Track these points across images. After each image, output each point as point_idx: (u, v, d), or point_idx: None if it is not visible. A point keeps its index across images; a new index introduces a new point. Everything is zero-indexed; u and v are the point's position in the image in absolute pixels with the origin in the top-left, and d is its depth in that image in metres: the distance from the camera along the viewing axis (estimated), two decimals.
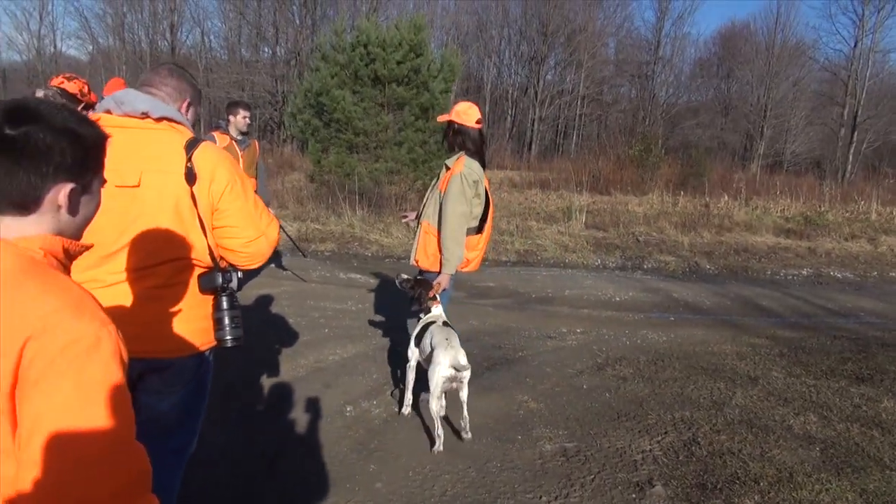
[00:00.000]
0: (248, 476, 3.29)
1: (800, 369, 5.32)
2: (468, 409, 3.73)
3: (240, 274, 2.15)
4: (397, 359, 4.89)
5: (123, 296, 1.97)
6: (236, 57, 38.30)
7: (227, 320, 2.13)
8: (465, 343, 3.83)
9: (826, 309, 7.94)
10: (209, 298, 2.12)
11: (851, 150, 35.94)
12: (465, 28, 41.56)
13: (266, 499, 3.13)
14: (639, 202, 16.27)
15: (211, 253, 2.07)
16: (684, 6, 46.74)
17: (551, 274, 9.34)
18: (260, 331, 5.34)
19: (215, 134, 5.58)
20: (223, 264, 2.15)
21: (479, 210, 4.08)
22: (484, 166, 4.07)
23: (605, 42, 42.94)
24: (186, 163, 1.96)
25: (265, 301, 6.45)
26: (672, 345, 5.94)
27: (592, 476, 3.45)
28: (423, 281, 4.06)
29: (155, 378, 2.09)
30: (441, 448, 3.58)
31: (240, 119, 5.74)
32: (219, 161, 2.04)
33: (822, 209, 15.28)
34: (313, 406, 4.13)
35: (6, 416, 1.01)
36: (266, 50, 38.18)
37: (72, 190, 1.15)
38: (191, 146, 1.99)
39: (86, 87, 4.24)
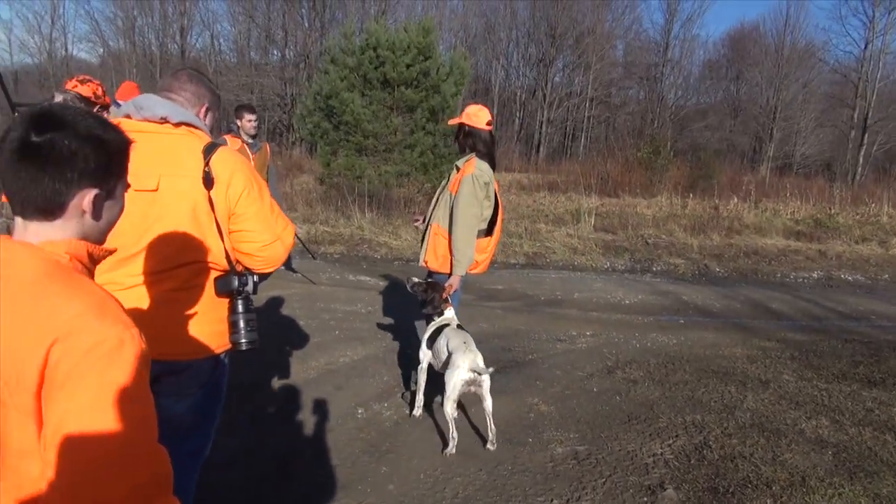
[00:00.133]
0: (260, 478, 3.31)
1: (811, 373, 5.30)
2: (494, 420, 3.70)
3: (255, 277, 2.16)
4: (407, 361, 4.91)
5: (141, 298, 1.99)
6: (245, 60, 38.53)
7: (242, 323, 2.14)
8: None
9: (837, 312, 7.90)
10: (225, 302, 2.13)
11: (862, 153, 35.73)
12: (473, 30, 41.70)
13: (279, 500, 3.14)
14: (647, 205, 16.23)
15: (227, 256, 2.08)
16: (693, 8, 46.84)
17: (560, 276, 9.34)
18: (271, 333, 5.35)
19: (227, 137, 5.61)
20: (239, 268, 2.16)
21: (488, 212, 4.10)
22: (494, 168, 4.09)
23: (614, 44, 43.00)
24: (204, 167, 1.98)
25: (276, 303, 6.48)
26: (682, 348, 5.93)
27: (604, 479, 3.45)
28: (434, 284, 4.08)
29: (171, 380, 2.10)
30: (454, 450, 3.59)
31: (245, 123, 5.77)
32: (236, 166, 2.06)
33: (833, 212, 15.20)
34: (325, 408, 4.15)
35: (32, 417, 1.03)
36: (275, 53, 38.43)
37: (96, 195, 1.16)
38: (208, 151, 2.01)
39: (100, 90, 4.28)
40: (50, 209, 1.13)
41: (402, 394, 4.43)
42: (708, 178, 19.49)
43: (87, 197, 1.15)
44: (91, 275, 1.21)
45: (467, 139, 4.06)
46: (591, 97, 40.63)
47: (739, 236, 12.83)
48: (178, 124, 2.02)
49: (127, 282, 1.97)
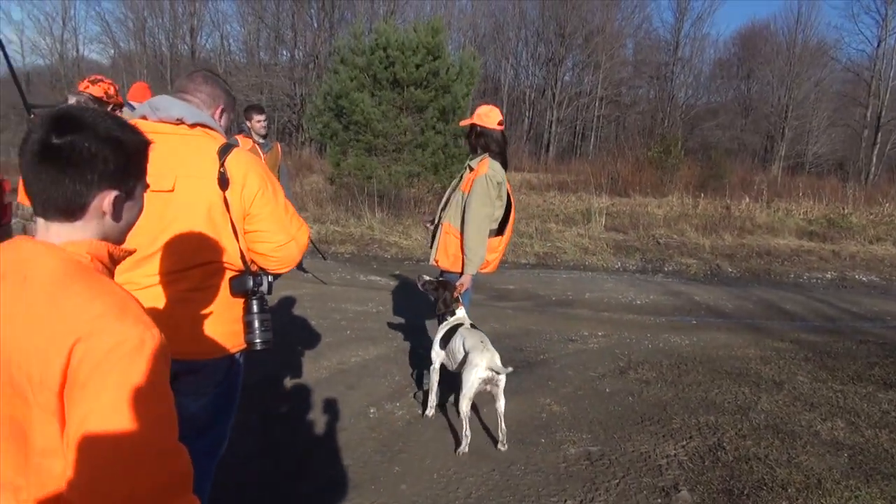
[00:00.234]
0: (273, 477, 3.32)
1: (826, 374, 5.26)
2: (505, 420, 3.69)
3: (270, 278, 2.16)
4: (419, 361, 4.91)
5: (157, 298, 2.00)
6: (255, 60, 38.68)
7: (256, 323, 2.15)
8: None
9: (851, 313, 7.84)
10: (240, 302, 2.14)
11: (875, 152, 35.45)
12: (482, 30, 41.69)
13: (292, 500, 3.15)
14: (658, 204, 16.17)
15: (242, 257, 2.09)
16: (704, 7, 46.59)
17: (571, 276, 9.32)
18: (283, 333, 5.34)
19: (239, 137, 5.63)
20: (254, 268, 2.17)
21: (500, 212, 4.10)
22: (506, 168, 4.09)
23: (624, 43, 42.85)
24: (219, 168, 1.99)
25: (287, 303, 6.49)
26: (695, 348, 5.89)
27: (617, 480, 3.43)
28: (445, 283, 4.08)
29: (187, 380, 2.11)
30: (466, 449, 3.59)
31: (255, 124, 5.78)
32: (250, 166, 2.06)
33: (846, 211, 15.07)
34: (337, 408, 4.16)
35: (55, 416, 1.04)
36: (284, 53, 38.57)
37: (116, 197, 1.17)
38: (223, 152, 2.01)
39: (112, 89, 4.28)
40: (71, 210, 1.14)
41: (415, 393, 4.43)
42: (719, 177, 19.39)
43: (107, 198, 1.16)
44: (111, 275, 1.22)
45: (479, 139, 4.06)
46: (600, 96, 40.52)
47: (751, 236, 12.75)
48: (193, 125, 2.03)
49: (143, 282, 1.98)
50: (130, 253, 1.27)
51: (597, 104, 40.87)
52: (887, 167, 34.19)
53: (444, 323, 4.02)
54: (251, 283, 2.10)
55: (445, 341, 3.93)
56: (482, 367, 3.53)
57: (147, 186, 1.28)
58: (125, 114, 4.41)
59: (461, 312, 4.01)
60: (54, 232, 1.15)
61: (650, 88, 43.79)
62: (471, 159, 4.13)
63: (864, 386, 4.99)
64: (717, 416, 4.30)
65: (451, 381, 4.20)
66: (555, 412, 4.30)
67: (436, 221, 4.26)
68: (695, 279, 9.72)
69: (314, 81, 30.57)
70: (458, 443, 3.67)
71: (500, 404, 3.65)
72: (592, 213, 13.24)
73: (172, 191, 1.96)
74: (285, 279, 7.23)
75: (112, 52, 40.31)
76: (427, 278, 4.15)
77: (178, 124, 2.02)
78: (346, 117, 12.91)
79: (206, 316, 2.07)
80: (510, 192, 4.16)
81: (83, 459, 1.00)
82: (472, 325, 3.94)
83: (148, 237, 1.95)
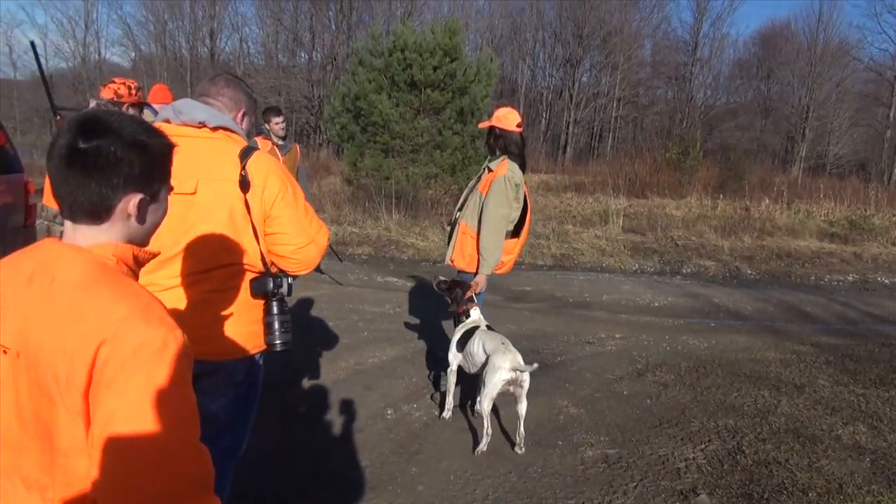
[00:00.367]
0: (292, 477, 3.34)
1: (847, 377, 5.20)
2: (524, 424, 3.69)
3: (290, 279, 2.18)
4: (436, 362, 4.92)
5: (179, 299, 2.02)
6: (273, 62, 38.93)
7: (276, 325, 2.16)
8: None
9: (873, 316, 7.73)
10: (260, 303, 2.15)
11: None
12: (499, 31, 41.61)
13: (309, 499, 3.17)
14: (677, 206, 16.05)
15: (263, 258, 2.11)
16: (723, 6, 46.12)
17: (588, 278, 9.28)
18: (300, 334, 5.39)
19: (257, 139, 5.67)
20: (274, 270, 2.19)
21: (516, 214, 4.11)
22: (524, 170, 4.10)
23: (642, 44, 42.54)
24: (241, 171, 2.01)
25: (305, 304, 6.53)
26: (714, 351, 5.85)
27: (635, 483, 3.41)
28: (459, 282, 4.10)
29: (208, 380, 2.13)
30: (485, 448, 3.59)
31: (274, 126, 5.81)
32: (271, 169, 2.09)
33: (868, 213, 14.85)
34: (354, 409, 4.18)
35: (81, 416, 1.06)
36: (303, 55, 38.78)
37: (141, 200, 1.19)
38: (245, 154, 2.04)
39: (122, 88, 4.26)
40: (97, 213, 1.16)
41: (432, 395, 4.44)
42: (738, 178, 19.19)
43: (132, 201, 1.17)
44: (136, 277, 1.24)
45: (498, 141, 4.08)
46: (618, 97, 40.28)
47: (771, 238, 12.62)
48: (215, 129, 2.06)
49: (166, 283, 2.00)
50: (154, 255, 1.30)
51: (614, 105, 40.64)
52: None
53: (461, 325, 4.02)
54: (271, 284, 2.12)
55: (462, 343, 3.93)
56: (506, 368, 3.52)
57: (171, 189, 1.30)
58: (147, 116, 4.45)
59: (476, 314, 4.02)
60: (81, 234, 1.17)
61: (668, 89, 43.46)
62: (489, 161, 4.15)
63: (887, 390, 4.93)
64: (737, 420, 4.26)
65: (469, 383, 4.21)
66: (572, 414, 4.29)
67: (453, 222, 4.28)
68: (713, 281, 9.64)
69: (332, 83, 30.73)
70: (476, 443, 3.68)
71: (522, 408, 3.64)
72: (610, 215, 13.18)
73: (195, 193, 1.98)
74: (303, 281, 7.26)
75: (133, 54, 40.84)
76: (442, 278, 4.17)
77: (200, 128, 2.05)
78: (364, 119, 12.97)
79: (226, 317, 2.09)
80: (527, 194, 4.16)
81: (107, 459, 1.02)
82: (489, 327, 3.94)
83: (171, 239, 1.97)
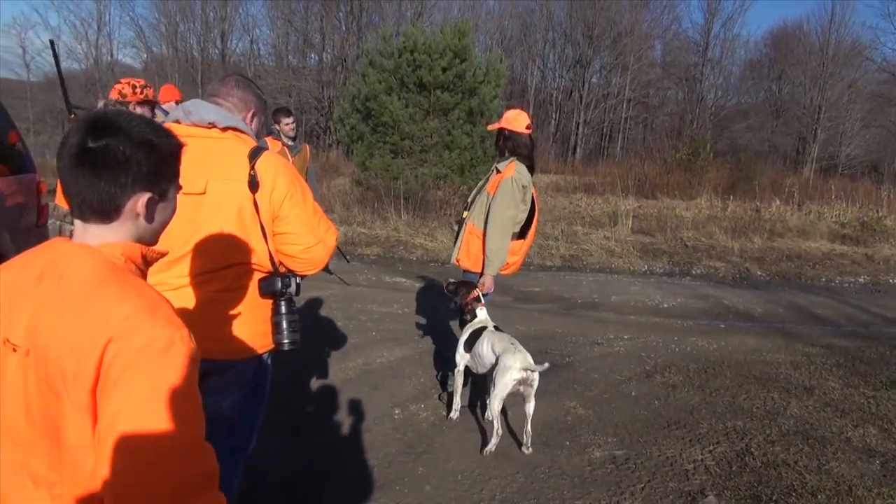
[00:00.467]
0: (299, 476, 3.36)
1: (858, 380, 5.16)
2: (531, 424, 3.70)
3: (298, 279, 2.19)
4: (444, 362, 4.92)
5: (188, 299, 2.04)
6: (284, 63, 39.04)
7: (284, 324, 2.18)
8: None
9: (885, 318, 7.67)
10: (268, 303, 2.17)
11: None
12: (509, 32, 41.54)
13: (317, 499, 3.18)
14: (686, 207, 15.98)
15: (271, 258, 2.13)
16: (734, 7, 45.80)
17: (597, 279, 9.26)
18: (309, 334, 5.42)
19: (267, 139, 5.70)
20: (282, 270, 2.20)
21: (523, 216, 4.11)
22: (533, 172, 4.10)
23: (652, 44, 42.33)
24: (250, 171, 2.03)
25: (314, 304, 6.56)
26: (723, 353, 5.82)
27: (642, 485, 3.41)
28: (466, 282, 4.11)
29: (216, 379, 2.15)
30: (493, 448, 3.60)
31: (284, 126, 5.83)
32: (280, 170, 2.10)
33: (880, 214, 14.74)
34: (362, 408, 4.19)
35: (88, 413, 1.07)
36: (313, 56, 38.86)
37: (149, 199, 1.20)
38: (254, 155, 2.05)
39: (126, 88, 4.28)
40: (106, 212, 1.17)
41: (439, 395, 4.45)
42: (749, 179, 19.07)
43: (140, 200, 1.19)
44: (144, 276, 1.25)
45: (507, 143, 4.09)
46: (628, 98, 40.12)
47: (782, 239, 12.55)
48: (225, 129, 2.07)
49: (175, 282, 2.02)
50: (163, 255, 1.31)
51: (624, 106, 40.48)
52: None
53: (468, 325, 4.03)
54: (279, 284, 2.13)
55: (470, 344, 3.94)
56: (517, 368, 3.52)
57: (180, 188, 1.31)
58: (158, 117, 4.48)
59: (482, 314, 4.03)
60: (91, 233, 1.19)
61: (679, 90, 43.22)
62: (498, 162, 4.16)
63: None
64: (745, 422, 4.24)
65: (477, 382, 4.21)
66: (580, 415, 4.28)
67: (461, 221, 4.29)
68: (723, 282, 9.60)
69: (342, 84, 30.78)
70: (484, 443, 3.68)
71: (530, 407, 3.65)
72: (619, 216, 13.14)
73: (204, 193, 2.00)
74: (312, 281, 7.29)
75: (144, 56, 41.10)
76: (451, 280, 4.19)
77: (210, 128, 2.06)
78: (374, 119, 13.00)
79: (235, 316, 2.10)
80: (535, 196, 4.17)
81: (112, 456, 1.03)
82: (496, 327, 3.95)
83: (180, 239, 1.99)
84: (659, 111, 42.23)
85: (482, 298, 4.08)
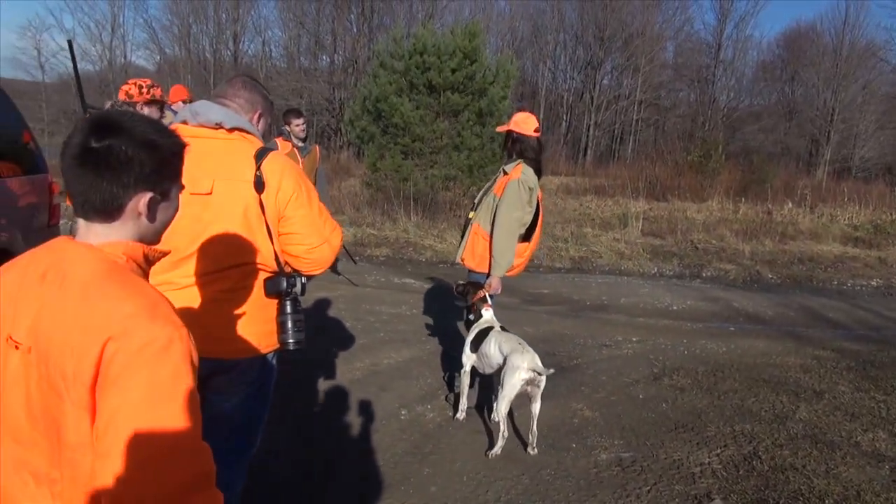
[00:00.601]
0: (305, 476, 3.37)
1: (868, 384, 5.12)
2: (538, 424, 3.70)
3: (303, 279, 2.20)
4: (451, 363, 4.93)
5: (194, 298, 2.05)
6: (295, 65, 39.20)
7: (290, 324, 2.18)
8: None
9: None
10: (273, 302, 2.18)
11: None
12: (520, 33, 41.49)
13: (323, 498, 3.20)
14: (697, 209, 15.90)
15: (277, 258, 2.14)
16: (747, 8, 45.40)
17: (606, 281, 9.24)
18: (317, 334, 5.45)
19: (278, 141, 5.74)
20: (288, 270, 2.21)
21: (528, 218, 4.12)
22: (540, 175, 4.11)
23: (664, 46, 42.12)
24: (256, 171, 2.04)
25: (323, 305, 6.58)
26: (732, 356, 5.79)
27: (649, 487, 3.40)
28: (473, 283, 4.12)
29: (220, 379, 2.16)
30: (499, 451, 3.60)
31: (294, 127, 5.85)
32: (286, 170, 2.12)
33: (894, 217, 14.61)
34: (369, 409, 4.20)
35: (87, 411, 1.08)
36: (324, 58, 38.98)
37: (151, 199, 1.21)
38: (260, 155, 2.07)
39: (132, 88, 4.31)
40: (108, 212, 1.19)
41: (446, 396, 4.46)
42: (761, 182, 18.94)
43: (142, 200, 1.20)
44: (146, 275, 1.26)
45: (515, 145, 4.10)
46: (639, 100, 39.97)
47: (794, 242, 12.46)
48: (231, 130, 2.09)
49: (181, 282, 2.04)
50: (165, 254, 1.32)
51: (636, 108, 40.33)
52: None
53: (474, 326, 4.04)
54: (285, 284, 2.14)
55: (476, 344, 3.94)
56: (524, 368, 3.53)
57: (182, 188, 1.32)
58: (167, 117, 4.52)
59: (488, 314, 4.03)
60: (94, 232, 1.20)
61: (691, 91, 42.98)
62: (505, 163, 4.17)
63: None
64: (754, 425, 4.22)
65: (484, 383, 4.22)
66: (587, 417, 4.28)
67: (467, 222, 4.30)
68: (734, 285, 9.55)
69: (353, 86, 30.88)
70: (490, 444, 3.68)
71: (536, 407, 3.65)
72: (629, 218, 13.10)
73: (210, 193, 2.02)
74: (321, 282, 7.32)
75: (158, 58, 41.39)
76: (460, 282, 4.20)
77: (216, 129, 2.08)
78: (385, 121, 13.03)
79: (240, 316, 2.12)
80: (540, 199, 4.17)
81: (110, 453, 1.03)
82: (503, 328, 3.95)
83: (186, 239, 2.01)
84: (670, 113, 42.03)
85: (488, 299, 4.09)
